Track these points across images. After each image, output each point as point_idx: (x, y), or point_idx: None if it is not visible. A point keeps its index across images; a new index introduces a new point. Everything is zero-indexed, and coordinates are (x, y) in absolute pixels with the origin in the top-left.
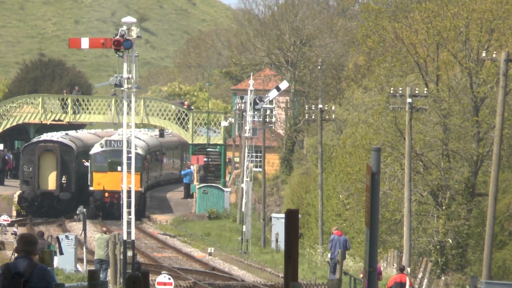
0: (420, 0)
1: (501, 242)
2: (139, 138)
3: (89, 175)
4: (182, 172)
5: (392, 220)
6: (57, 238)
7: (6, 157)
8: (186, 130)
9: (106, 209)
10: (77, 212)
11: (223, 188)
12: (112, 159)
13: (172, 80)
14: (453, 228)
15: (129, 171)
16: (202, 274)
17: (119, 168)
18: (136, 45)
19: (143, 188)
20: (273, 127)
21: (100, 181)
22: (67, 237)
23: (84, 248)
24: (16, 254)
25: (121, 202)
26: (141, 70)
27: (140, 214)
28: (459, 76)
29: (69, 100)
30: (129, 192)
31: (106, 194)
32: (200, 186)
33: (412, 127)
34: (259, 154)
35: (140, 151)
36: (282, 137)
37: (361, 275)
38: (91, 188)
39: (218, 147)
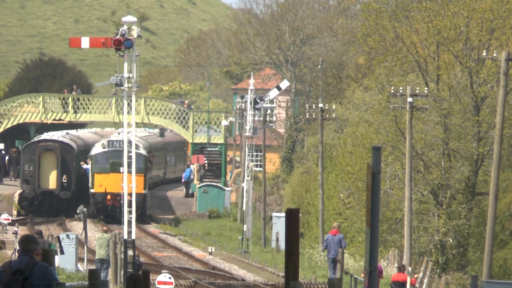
0: (420, 0)
1: (502, 241)
2: (141, 138)
3: (90, 176)
4: (185, 175)
5: (393, 219)
6: (58, 237)
7: (7, 156)
8: (186, 129)
9: (107, 212)
10: (78, 211)
11: (224, 187)
12: (114, 160)
13: (173, 79)
14: (454, 227)
15: (130, 172)
16: (202, 273)
17: (121, 169)
18: (137, 44)
19: (146, 190)
20: (274, 126)
21: (101, 183)
22: (68, 236)
23: (85, 247)
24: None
25: (121, 202)
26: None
27: (141, 214)
28: (460, 75)
29: (69, 100)
30: (131, 194)
31: (108, 197)
32: (200, 185)
33: (412, 127)
34: (259, 153)
35: (142, 152)
36: (283, 136)
37: (362, 275)
38: (92, 190)
39: (219, 146)
